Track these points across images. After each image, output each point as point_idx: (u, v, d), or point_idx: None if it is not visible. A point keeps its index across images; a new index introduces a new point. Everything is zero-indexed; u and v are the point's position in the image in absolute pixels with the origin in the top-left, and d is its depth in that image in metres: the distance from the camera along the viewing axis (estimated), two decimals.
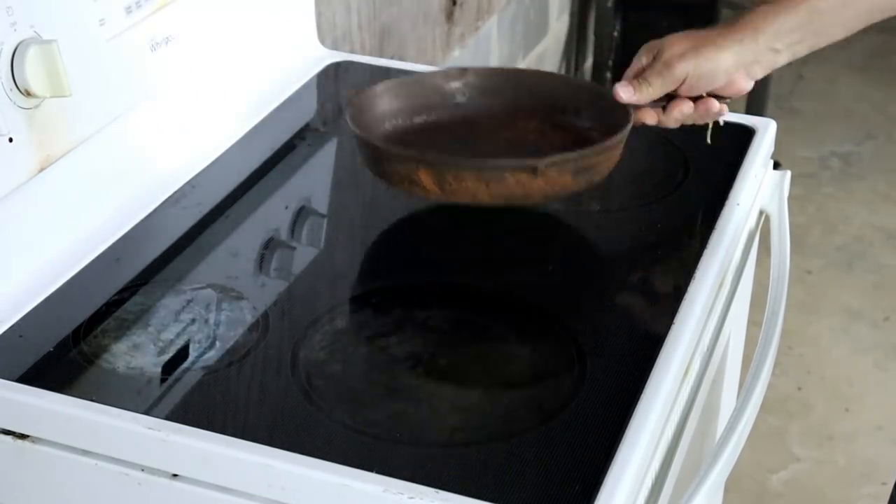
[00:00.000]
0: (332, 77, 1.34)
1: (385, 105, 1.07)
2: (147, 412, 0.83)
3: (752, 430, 0.91)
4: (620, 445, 0.79)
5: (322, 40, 1.41)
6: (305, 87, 1.31)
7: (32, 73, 0.91)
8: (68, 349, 0.91)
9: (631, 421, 0.82)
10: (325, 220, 1.11)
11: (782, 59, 1.00)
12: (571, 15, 2.86)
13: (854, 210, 2.73)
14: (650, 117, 1.01)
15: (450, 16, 2.01)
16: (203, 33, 1.15)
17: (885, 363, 2.25)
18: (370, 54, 1.69)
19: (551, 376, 0.90)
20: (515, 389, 0.88)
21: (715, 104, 1.01)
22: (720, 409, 1.20)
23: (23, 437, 0.86)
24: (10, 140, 0.92)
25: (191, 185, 1.12)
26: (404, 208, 1.08)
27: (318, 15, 1.40)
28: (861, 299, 2.42)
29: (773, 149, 1.21)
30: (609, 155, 0.97)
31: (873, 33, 3.75)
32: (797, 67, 3.30)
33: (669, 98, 1.00)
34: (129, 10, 1.03)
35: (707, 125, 1.05)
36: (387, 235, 1.07)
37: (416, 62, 1.75)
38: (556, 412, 0.85)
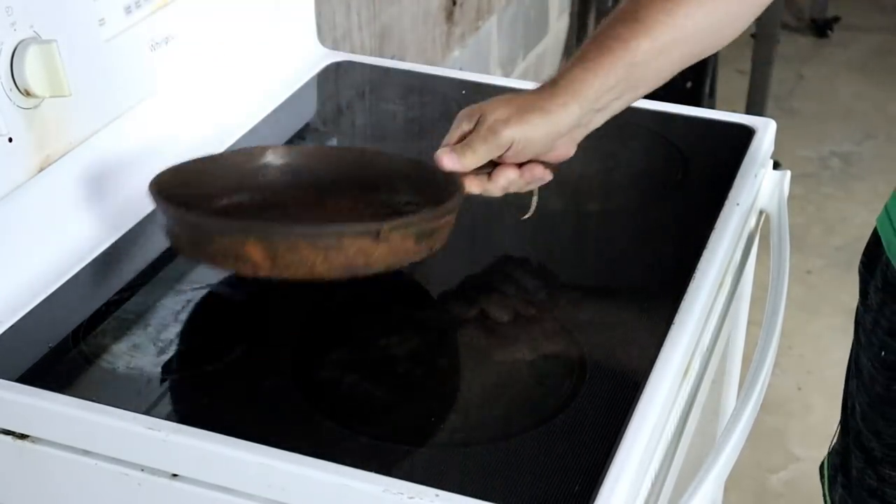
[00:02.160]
0: (332, 77, 1.34)
1: (182, 188, 0.95)
2: (147, 412, 0.83)
3: (752, 430, 0.91)
4: (620, 445, 0.79)
5: (322, 40, 1.41)
6: (305, 87, 1.31)
7: (32, 73, 0.91)
8: (68, 349, 0.91)
9: (631, 421, 0.82)
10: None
11: (602, 119, 0.97)
12: (571, 15, 2.86)
13: (854, 210, 2.73)
14: (475, 186, 0.96)
15: (450, 16, 2.01)
16: (203, 33, 1.15)
17: None
18: (370, 54, 1.69)
19: (551, 377, 0.90)
20: (515, 389, 0.88)
21: (540, 169, 0.97)
22: (720, 409, 1.20)
23: (23, 437, 0.86)
24: (10, 140, 0.92)
25: None
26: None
27: (318, 15, 1.40)
28: None
29: (773, 149, 1.21)
30: (448, 219, 0.92)
31: (873, 33, 3.75)
32: (797, 67, 3.30)
33: (493, 165, 0.96)
34: (128, 9, 1.03)
35: (531, 195, 1.00)
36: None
37: (416, 62, 1.75)
38: (556, 412, 0.85)
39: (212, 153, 1.02)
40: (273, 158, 1.02)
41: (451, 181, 0.93)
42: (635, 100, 0.98)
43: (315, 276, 0.85)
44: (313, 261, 0.84)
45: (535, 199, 1.00)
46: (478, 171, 0.95)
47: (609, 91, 0.94)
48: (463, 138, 0.95)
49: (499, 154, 0.94)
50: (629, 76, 0.94)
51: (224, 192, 0.99)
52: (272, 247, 0.84)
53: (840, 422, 1.17)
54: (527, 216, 1.00)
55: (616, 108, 0.97)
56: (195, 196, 0.96)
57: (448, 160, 0.93)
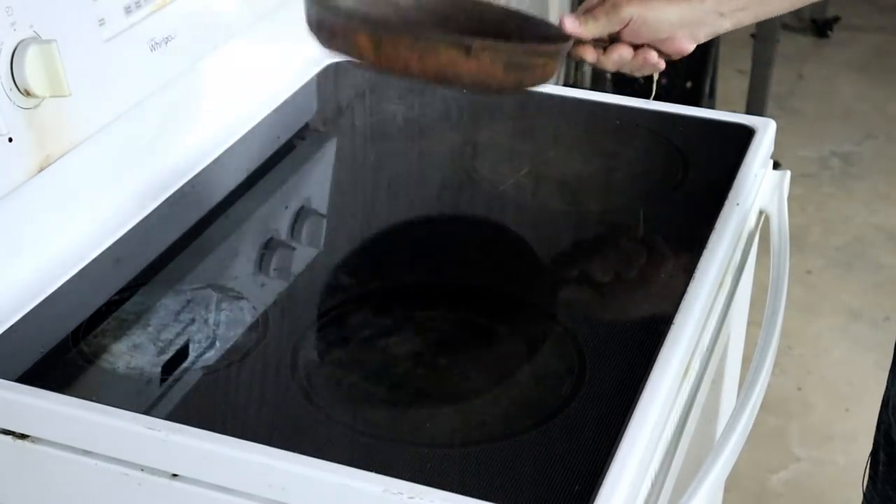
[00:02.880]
0: (332, 77, 1.34)
1: None
2: (147, 412, 0.83)
3: (752, 430, 0.91)
4: (620, 445, 0.79)
5: None
6: (305, 87, 1.31)
7: (32, 73, 0.91)
8: (68, 349, 0.91)
9: (631, 421, 0.82)
10: (325, 220, 1.11)
11: (726, 25, 1.00)
12: None
13: (854, 210, 2.73)
14: (590, 54, 1.02)
15: None
16: (203, 33, 1.15)
17: (885, 363, 2.23)
18: None
19: (551, 376, 0.90)
20: (515, 389, 0.88)
21: (653, 55, 1.01)
22: (720, 409, 1.20)
23: (23, 437, 0.86)
24: (10, 140, 0.92)
25: (191, 184, 1.12)
26: (404, 208, 1.09)
27: None
28: (861, 299, 2.42)
29: (773, 149, 1.21)
30: (544, 61, 0.97)
31: (873, 33, 3.75)
32: (797, 67, 3.30)
33: (611, 41, 1.01)
34: (128, 10, 1.03)
35: (651, 80, 1.06)
36: (386, 235, 1.07)
37: None
38: (556, 412, 0.85)
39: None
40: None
41: (563, 37, 0.99)
42: (760, 17, 1.01)
43: (410, 73, 0.93)
44: (409, 59, 0.92)
45: (654, 84, 1.06)
46: (596, 43, 1.00)
47: None
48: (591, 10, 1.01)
49: (617, 28, 0.99)
50: None
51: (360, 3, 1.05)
52: (377, 39, 0.92)
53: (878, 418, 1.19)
54: (651, 97, 1.06)
55: (740, 19, 1.00)
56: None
57: (570, 22, 0.99)
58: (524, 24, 1.06)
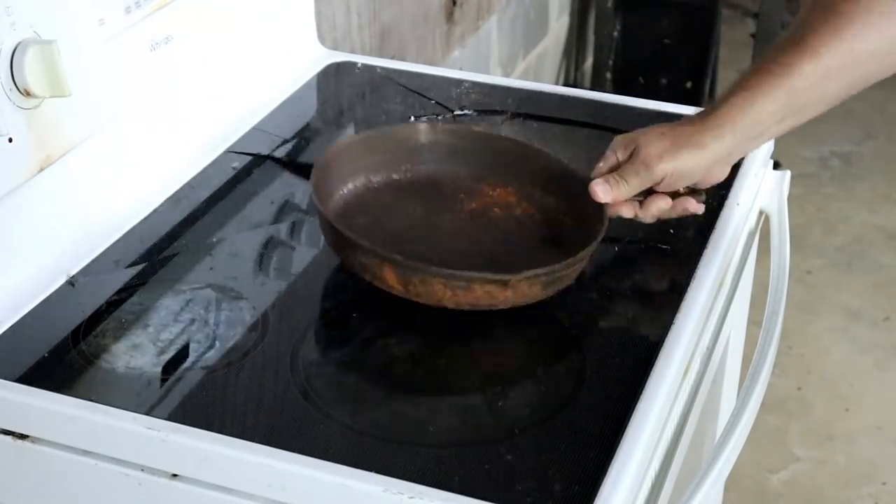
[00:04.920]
0: (332, 77, 1.34)
1: (348, 162, 1.03)
2: (147, 412, 0.84)
3: (752, 430, 0.91)
4: (620, 445, 0.79)
5: (322, 40, 1.41)
6: (305, 87, 1.31)
7: (32, 73, 0.91)
8: (68, 349, 0.91)
9: (631, 421, 0.82)
10: None
11: (761, 143, 0.99)
12: (571, 15, 2.86)
13: (854, 210, 2.73)
14: (627, 211, 0.99)
15: (450, 16, 2.01)
16: (203, 33, 1.15)
17: (885, 363, 2.25)
18: (370, 54, 1.69)
19: (551, 376, 0.90)
20: (515, 389, 0.88)
21: (692, 203, 0.99)
22: (720, 409, 1.20)
23: (23, 437, 0.86)
24: (10, 140, 0.92)
25: (190, 185, 1.12)
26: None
27: (318, 15, 1.40)
28: (861, 299, 2.42)
29: (773, 149, 1.21)
30: (580, 266, 0.94)
31: None
32: None
33: (646, 193, 0.98)
34: (128, 9, 1.03)
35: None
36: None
37: (416, 62, 1.75)
38: (555, 412, 0.85)
39: (373, 131, 1.07)
40: (440, 137, 1.07)
41: (597, 217, 0.96)
42: (797, 125, 0.97)
43: (441, 305, 0.90)
44: (442, 295, 0.89)
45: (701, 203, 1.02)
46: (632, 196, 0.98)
47: (769, 117, 0.94)
48: (615, 167, 0.97)
49: (651, 186, 0.97)
50: (791, 102, 0.94)
51: (388, 165, 1.05)
52: (406, 276, 0.89)
53: None
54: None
55: (774, 133, 0.97)
56: (358, 169, 1.03)
57: (601, 191, 0.96)
58: (561, 174, 1.03)
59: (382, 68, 1.36)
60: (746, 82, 0.95)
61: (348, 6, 1.62)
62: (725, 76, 2.92)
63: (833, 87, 0.95)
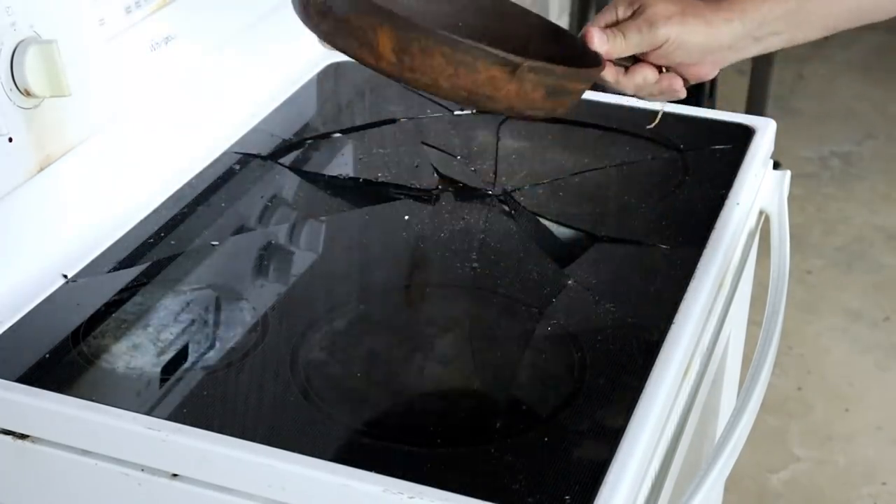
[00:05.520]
0: (332, 77, 1.34)
1: None
2: (147, 412, 0.84)
3: (752, 430, 0.91)
4: (620, 445, 0.79)
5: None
6: (305, 87, 1.31)
7: (32, 73, 0.91)
8: (68, 349, 0.91)
9: (631, 421, 0.82)
10: (325, 222, 1.11)
11: (756, 50, 0.95)
12: (571, 15, 2.86)
13: (854, 210, 2.73)
14: (610, 74, 0.92)
15: None
16: (203, 33, 1.15)
17: (885, 363, 2.25)
18: None
19: (551, 377, 0.90)
20: (515, 389, 0.88)
21: (679, 81, 0.94)
22: (720, 409, 1.20)
23: (23, 437, 0.86)
24: (10, 140, 0.92)
25: (190, 185, 1.12)
26: (403, 209, 1.09)
27: None
28: (861, 299, 2.42)
29: (773, 149, 1.21)
30: (582, 87, 0.87)
31: (873, 33, 3.74)
32: (797, 67, 3.30)
33: (633, 60, 0.93)
34: (128, 10, 1.03)
35: (656, 114, 0.97)
36: (386, 235, 1.07)
37: None
38: (556, 412, 0.85)
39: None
40: None
41: (589, 57, 0.89)
42: (794, 42, 0.94)
43: (435, 88, 0.80)
44: (441, 71, 0.78)
45: (661, 111, 0.96)
46: (617, 62, 0.92)
47: (775, 21, 0.92)
48: (613, 25, 0.92)
49: (649, 49, 0.91)
50: (798, 10, 0.92)
51: None
52: (406, 40, 0.78)
53: None
54: (652, 125, 0.97)
55: (773, 43, 0.94)
56: None
57: (598, 39, 0.90)
58: (547, 31, 0.95)
59: None
60: None
61: None
62: (725, 76, 2.92)
63: (839, 7, 0.93)
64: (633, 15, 0.92)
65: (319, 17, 0.81)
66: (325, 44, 0.81)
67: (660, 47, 0.91)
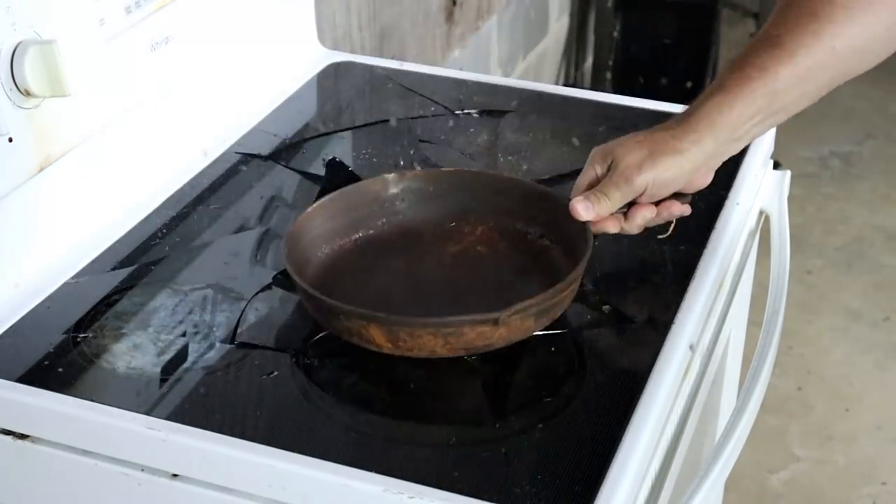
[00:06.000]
0: (332, 77, 1.34)
1: (320, 227, 0.99)
2: (147, 412, 0.84)
3: (752, 430, 0.91)
4: (620, 445, 0.79)
5: (322, 40, 1.41)
6: (305, 87, 1.31)
7: (32, 73, 0.91)
8: (68, 349, 0.91)
9: (631, 421, 0.82)
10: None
11: (742, 145, 0.95)
12: (571, 15, 2.86)
13: (854, 210, 2.73)
14: (612, 226, 0.94)
15: (450, 16, 2.01)
16: (203, 33, 1.15)
17: (885, 363, 2.25)
18: (370, 54, 1.69)
19: (551, 376, 0.90)
20: (515, 389, 0.88)
21: (677, 205, 0.95)
22: (720, 409, 1.20)
23: (23, 437, 0.86)
24: (10, 140, 0.92)
25: (190, 185, 1.12)
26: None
27: (318, 15, 1.40)
28: (861, 299, 2.42)
29: (773, 149, 1.21)
30: (572, 288, 0.91)
31: None
32: None
33: (629, 205, 0.95)
34: (128, 9, 1.03)
35: (670, 223, 0.99)
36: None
37: (417, 62, 1.75)
38: (556, 412, 0.85)
39: (340, 192, 1.03)
40: (408, 184, 1.03)
41: (582, 237, 0.93)
42: (779, 122, 0.95)
43: (435, 356, 0.87)
44: (434, 345, 0.86)
45: (672, 226, 0.99)
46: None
47: (749, 120, 0.92)
48: (595, 182, 0.94)
49: (634, 198, 0.93)
50: (771, 104, 0.92)
51: (362, 222, 1.02)
52: (394, 332, 0.86)
53: None
54: (665, 236, 0.99)
55: (756, 133, 0.94)
56: (332, 231, 0.99)
57: (583, 209, 0.92)
58: (539, 198, 1.00)
59: (382, 68, 1.36)
60: (723, 86, 0.92)
61: (348, 6, 1.62)
62: None
63: (813, 85, 0.93)
64: (609, 171, 0.93)
65: (322, 318, 0.91)
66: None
67: (643, 193, 0.93)
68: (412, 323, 0.86)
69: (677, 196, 0.96)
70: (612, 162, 0.93)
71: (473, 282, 0.98)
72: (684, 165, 0.92)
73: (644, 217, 0.95)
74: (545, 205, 1.00)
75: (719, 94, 0.92)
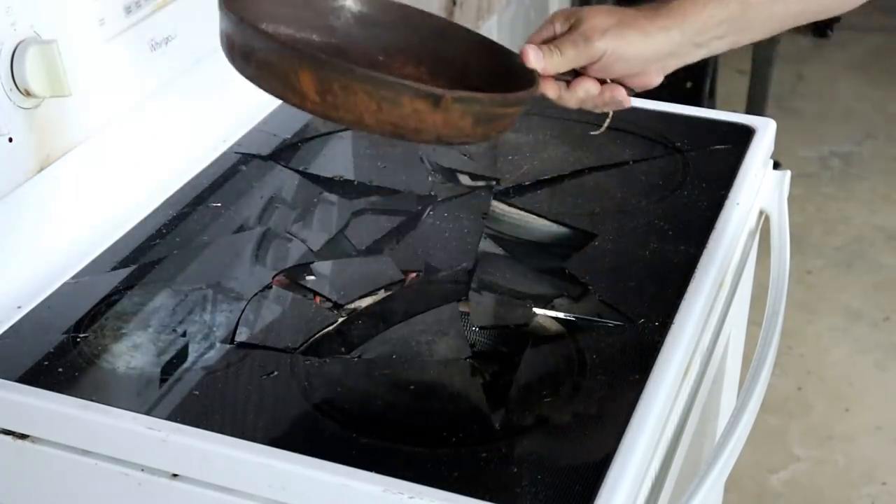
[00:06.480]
0: None
1: (261, 6, 0.89)
2: (147, 412, 0.84)
3: (752, 430, 0.91)
4: (620, 445, 0.79)
5: None
6: None
7: (32, 73, 0.91)
8: (68, 349, 0.91)
9: (631, 421, 0.82)
10: (325, 220, 1.11)
11: (699, 55, 0.93)
12: None
13: (854, 210, 2.73)
14: (551, 90, 0.91)
15: (450, 16, 2.01)
16: (203, 33, 1.15)
17: (885, 363, 2.25)
18: None
19: (551, 376, 0.90)
20: (515, 389, 0.88)
21: (622, 92, 0.92)
22: (720, 409, 1.20)
23: (23, 437, 0.86)
24: (10, 140, 0.92)
25: (190, 185, 1.12)
26: (405, 208, 1.09)
27: None
28: (861, 299, 2.42)
29: (773, 149, 1.21)
30: (513, 111, 0.85)
31: (873, 33, 3.74)
32: (797, 67, 3.30)
33: (574, 74, 0.91)
34: (128, 9, 1.03)
35: (606, 115, 0.96)
36: (386, 235, 1.07)
37: None
38: (556, 412, 0.85)
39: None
40: (354, 3, 0.95)
41: (528, 75, 0.88)
42: (738, 45, 0.93)
43: (361, 125, 0.79)
44: (364, 108, 0.78)
45: (609, 118, 0.95)
46: (558, 75, 0.91)
47: (716, 26, 0.90)
48: (552, 40, 0.91)
49: (586, 63, 0.90)
50: (741, 15, 0.90)
51: (292, 22, 0.92)
52: (326, 80, 0.77)
53: None
54: (597, 133, 0.96)
55: (716, 47, 0.92)
56: (268, 11, 0.90)
57: (534, 56, 0.88)
58: (484, 49, 0.95)
59: None
60: None
61: None
62: (725, 76, 2.92)
63: (782, 9, 0.92)
64: (570, 29, 0.91)
65: (244, 62, 0.81)
66: (248, 80, 0.81)
67: (598, 61, 0.90)
68: (350, 72, 0.77)
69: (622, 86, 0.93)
70: (575, 22, 0.91)
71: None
72: (647, 47, 0.90)
73: (586, 90, 0.92)
74: (489, 55, 0.94)
75: None
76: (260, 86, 0.80)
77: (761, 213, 1.17)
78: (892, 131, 3.06)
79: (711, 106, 2.71)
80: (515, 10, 2.38)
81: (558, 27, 0.92)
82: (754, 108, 2.78)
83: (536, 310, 0.95)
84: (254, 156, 1.18)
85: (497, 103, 0.83)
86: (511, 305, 0.98)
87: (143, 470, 0.83)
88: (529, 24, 2.50)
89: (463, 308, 0.95)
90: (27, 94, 0.92)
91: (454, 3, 2.01)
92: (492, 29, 2.24)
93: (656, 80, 0.94)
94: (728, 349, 1.14)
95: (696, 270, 0.98)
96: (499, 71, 0.90)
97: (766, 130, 1.20)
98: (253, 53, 0.80)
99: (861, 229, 2.66)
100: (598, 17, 0.90)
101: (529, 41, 0.91)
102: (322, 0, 0.94)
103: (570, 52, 0.89)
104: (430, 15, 0.98)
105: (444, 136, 0.82)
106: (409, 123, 0.79)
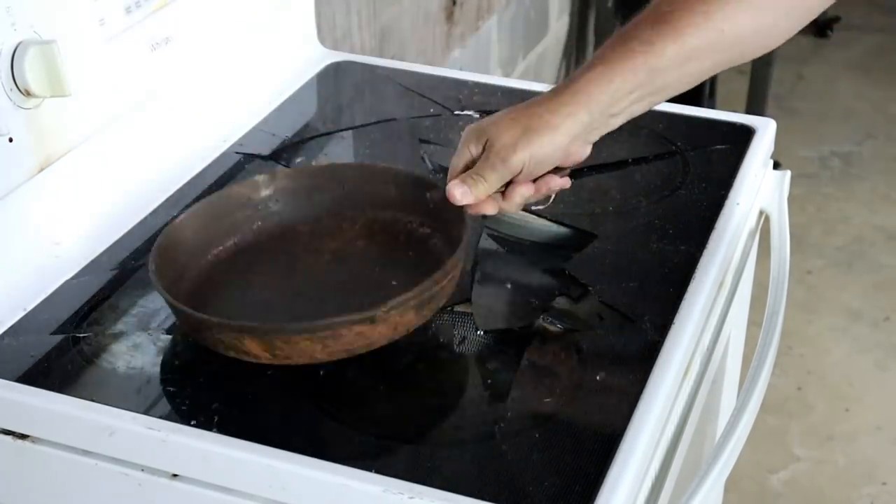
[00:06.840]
0: (332, 77, 1.34)
1: (192, 237, 0.95)
2: (147, 412, 0.83)
3: (752, 430, 0.91)
4: (620, 445, 0.79)
5: (322, 40, 1.41)
6: (305, 87, 1.31)
7: (32, 73, 0.91)
8: (68, 349, 0.91)
9: (631, 421, 0.82)
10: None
11: (619, 122, 0.92)
12: (571, 15, 2.86)
13: (854, 210, 2.73)
14: (490, 207, 0.92)
15: (450, 16, 2.01)
16: (203, 33, 1.15)
17: (885, 363, 2.25)
18: (370, 54, 1.69)
19: (551, 377, 0.90)
20: (515, 389, 0.88)
21: (556, 180, 0.93)
22: (720, 409, 1.20)
23: (23, 437, 0.86)
24: (10, 140, 0.92)
25: (190, 185, 1.12)
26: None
27: (318, 15, 1.40)
28: (861, 299, 2.42)
29: (773, 149, 1.21)
30: (452, 275, 0.89)
31: (873, 33, 3.74)
32: (797, 67, 3.30)
33: (507, 184, 0.92)
34: (128, 10, 1.03)
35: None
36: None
37: (416, 62, 1.75)
38: (556, 412, 0.85)
39: (208, 199, 1.00)
40: (280, 183, 1.01)
41: (459, 220, 0.91)
42: (658, 103, 0.93)
43: (316, 361, 0.85)
44: (312, 350, 0.84)
45: (552, 197, 0.97)
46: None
47: (628, 94, 0.90)
48: (471, 164, 0.92)
49: (511, 178, 0.91)
50: (651, 81, 0.90)
51: (236, 229, 0.98)
52: (268, 341, 0.83)
53: None
54: (543, 207, 0.98)
55: (636, 111, 0.92)
56: (205, 243, 0.96)
57: (460, 194, 0.90)
58: (399, 186, 0.98)
59: (382, 68, 1.36)
60: (605, 58, 0.90)
61: (348, 6, 1.62)
62: (725, 76, 2.92)
63: (695, 67, 0.91)
64: (484, 152, 0.91)
65: (197, 337, 0.88)
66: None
67: (521, 172, 0.90)
68: (286, 329, 0.83)
69: (555, 171, 0.94)
70: (486, 142, 0.91)
71: (355, 279, 0.96)
72: (559, 140, 0.89)
73: (522, 195, 0.92)
74: (421, 192, 0.97)
75: (600, 66, 0.90)
76: (221, 353, 0.86)
77: (761, 213, 1.17)
78: (892, 131, 3.06)
79: (711, 106, 2.71)
80: (515, 10, 2.38)
81: (473, 150, 0.92)
82: (754, 108, 2.78)
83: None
84: (254, 156, 1.18)
85: (429, 287, 0.86)
86: (514, 307, 0.97)
87: (143, 470, 0.83)
88: (529, 24, 2.50)
89: (464, 309, 0.95)
90: (27, 94, 0.92)
91: (454, 3, 2.01)
92: (492, 29, 2.24)
93: (584, 153, 0.93)
94: (728, 349, 1.14)
95: (696, 270, 0.98)
96: (438, 202, 0.93)
97: (766, 130, 1.20)
98: (200, 332, 0.86)
99: (861, 229, 2.66)
100: (505, 134, 0.90)
101: (451, 172, 0.92)
102: (252, 195, 1.00)
103: (492, 176, 0.90)
104: (356, 165, 1.06)
105: (398, 335, 0.86)
106: (359, 343, 0.84)
